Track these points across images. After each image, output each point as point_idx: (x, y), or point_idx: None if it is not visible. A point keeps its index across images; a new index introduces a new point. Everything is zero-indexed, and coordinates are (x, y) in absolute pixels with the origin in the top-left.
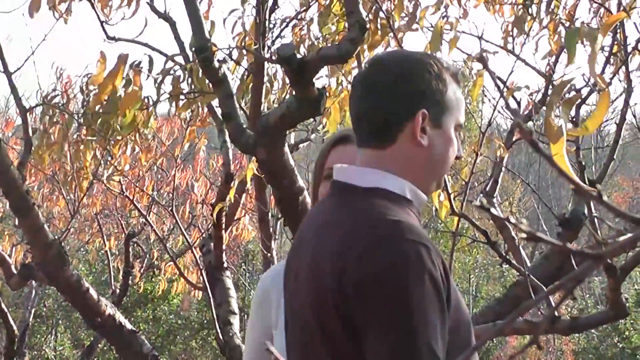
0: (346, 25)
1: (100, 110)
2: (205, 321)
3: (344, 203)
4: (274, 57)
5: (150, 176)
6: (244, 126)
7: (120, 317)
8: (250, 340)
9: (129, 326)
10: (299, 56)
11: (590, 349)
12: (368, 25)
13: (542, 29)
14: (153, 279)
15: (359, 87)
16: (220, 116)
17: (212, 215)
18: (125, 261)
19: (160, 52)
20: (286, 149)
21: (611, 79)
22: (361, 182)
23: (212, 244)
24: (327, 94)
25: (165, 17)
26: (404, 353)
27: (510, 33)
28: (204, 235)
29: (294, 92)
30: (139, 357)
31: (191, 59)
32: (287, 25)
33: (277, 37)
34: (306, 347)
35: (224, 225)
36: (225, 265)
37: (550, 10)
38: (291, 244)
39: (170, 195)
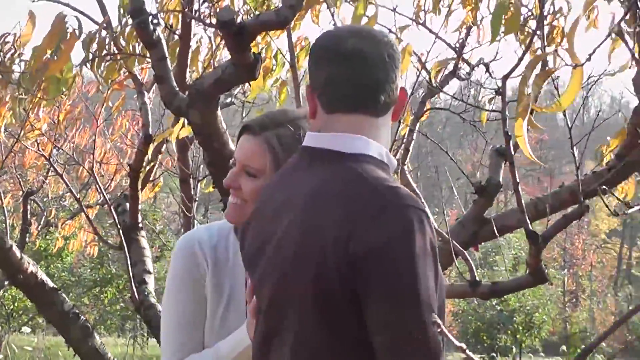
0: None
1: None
2: (98, 279)
3: (335, 170)
4: (206, 21)
5: (50, 135)
6: (177, 89)
7: (42, 274)
8: (184, 314)
9: (50, 284)
10: (238, 21)
11: (470, 310)
12: None
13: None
14: (47, 237)
15: (353, 57)
16: (139, 78)
17: (129, 175)
18: (23, 218)
19: (83, 13)
20: (219, 112)
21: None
22: (346, 148)
23: (127, 204)
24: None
25: None
26: (411, 318)
27: (422, 7)
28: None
29: (229, 57)
30: (60, 315)
31: (118, 22)
32: None
33: (204, 2)
34: (293, 322)
35: (140, 186)
36: (140, 225)
37: None
38: (252, 215)
39: (69, 155)
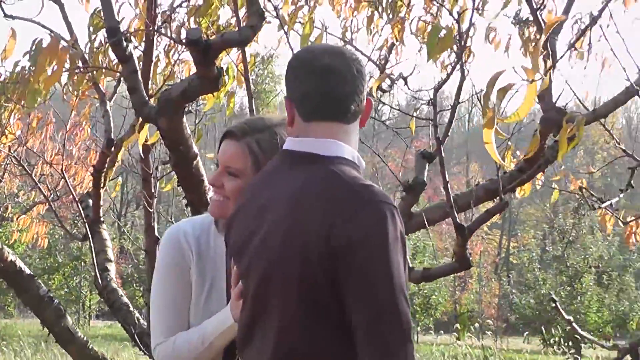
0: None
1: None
2: (46, 267)
3: (315, 171)
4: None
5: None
6: (147, 98)
7: (20, 263)
8: (172, 297)
9: (27, 271)
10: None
11: None
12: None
13: (393, 23)
14: (0, 229)
15: (327, 72)
16: (102, 90)
17: (92, 176)
18: None
19: (51, 31)
20: (184, 119)
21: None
22: (323, 152)
23: (90, 200)
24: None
25: None
26: (384, 297)
27: (348, 28)
28: (51, 191)
29: (184, 70)
30: (36, 299)
31: (88, 39)
32: (173, 11)
33: (164, 21)
34: (277, 307)
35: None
36: (102, 219)
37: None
38: (238, 210)
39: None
